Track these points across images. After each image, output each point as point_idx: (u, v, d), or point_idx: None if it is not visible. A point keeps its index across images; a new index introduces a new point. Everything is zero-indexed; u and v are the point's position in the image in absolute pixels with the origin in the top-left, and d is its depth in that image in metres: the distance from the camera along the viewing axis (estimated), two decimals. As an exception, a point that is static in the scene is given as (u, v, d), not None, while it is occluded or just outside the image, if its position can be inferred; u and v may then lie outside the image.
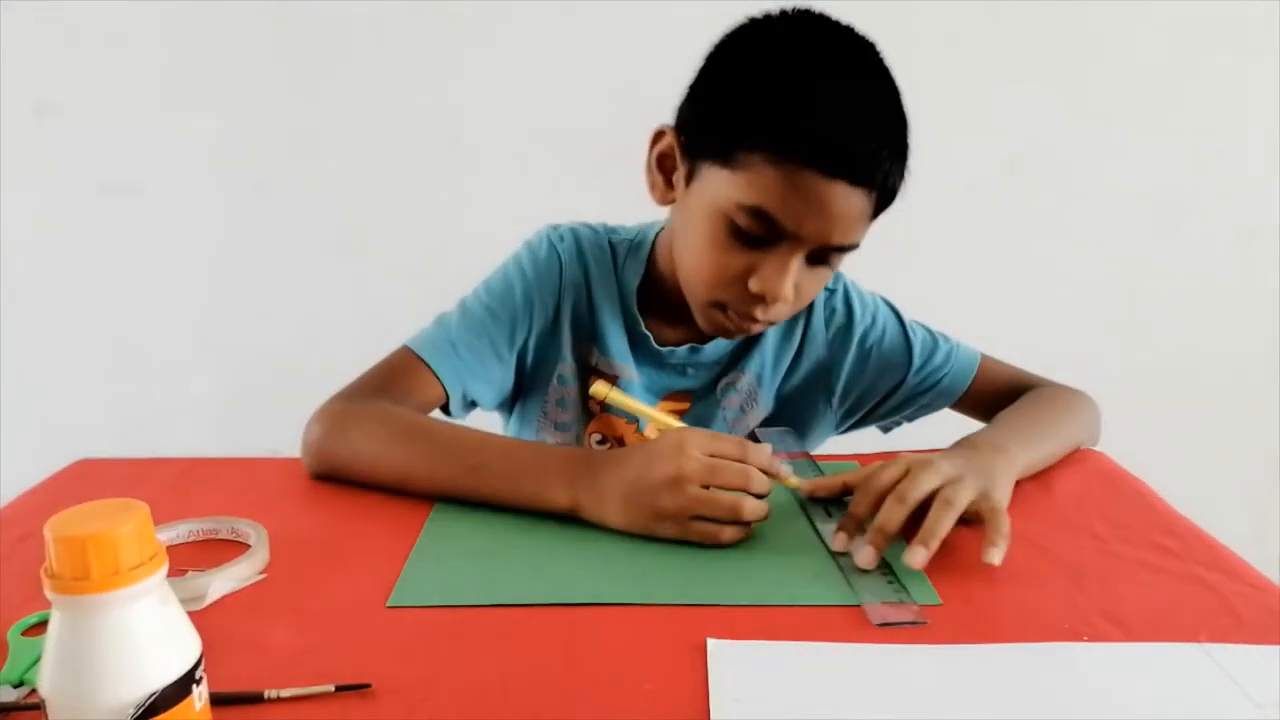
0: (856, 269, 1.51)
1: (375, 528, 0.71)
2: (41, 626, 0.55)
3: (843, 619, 0.57)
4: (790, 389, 0.96)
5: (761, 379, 0.95)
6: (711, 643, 0.53)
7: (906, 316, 0.97)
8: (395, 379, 0.85)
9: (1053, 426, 0.83)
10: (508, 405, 0.98)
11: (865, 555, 0.62)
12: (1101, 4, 1.61)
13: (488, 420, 0.92)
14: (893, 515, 0.64)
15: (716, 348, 0.93)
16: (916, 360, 0.94)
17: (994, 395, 0.92)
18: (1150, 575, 0.62)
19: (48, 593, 0.37)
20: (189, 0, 1.63)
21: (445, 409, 0.88)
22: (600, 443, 0.96)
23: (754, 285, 0.77)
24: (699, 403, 0.95)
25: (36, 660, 0.46)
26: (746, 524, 0.66)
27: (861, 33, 0.79)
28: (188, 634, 0.39)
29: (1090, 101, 1.66)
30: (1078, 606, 0.58)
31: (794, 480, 0.72)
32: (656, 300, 0.91)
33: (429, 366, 0.86)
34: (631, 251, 0.93)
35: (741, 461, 0.66)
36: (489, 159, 1.67)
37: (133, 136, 1.70)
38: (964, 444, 0.76)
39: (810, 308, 0.93)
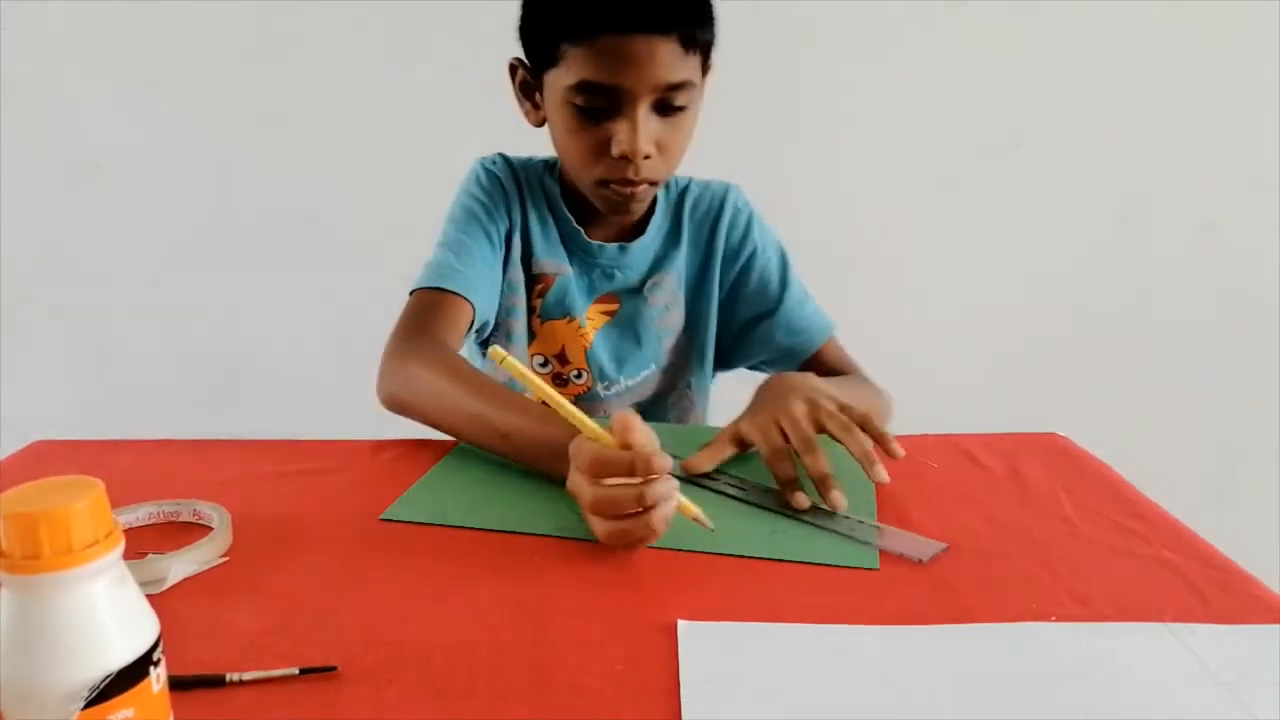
0: (833, 257, 1.50)
1: (338, 509, 0.70)
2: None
3: (809, 599, 0.57)
4: (696, 295, 1.04)
5: (681, 279, 1.03)
6: (682, 624, 0.53)
7: (794, 270, 1.05)
8: (431, 315, 0.89)
9: (853, 395, 0.84)
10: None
11: (836, 499, 0.68)
12: (1069, 2, 1.62)
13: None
14: (821, 461, 0.70)
15: (643, 248, 1.01)
16: (787, 301, 1.03)
17: (828, 369, 1.00)
18: (1117, 557, 0.63)
19: (-3, 572, 0.35)
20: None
21: None
22: (542, 365, 1.02)
23: (615, 150, 0.86)
24: (627, 302, 1.02)
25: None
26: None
27: None
28: (145, 615, 0.38)
29: (1056, 97, 1.67)
30: (1046, 587, 0.58)
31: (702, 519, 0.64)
32: (578, 209, 1.00)
33: (449, 291, 0.90)
34: (549, 169, 1.02)
35: (632, 476, 0.60)
36: (457, 143, 1.65)
37: (97, 119, 1.66)
38: (776, 381, 0.83)
39: (718, 218, 1.03)
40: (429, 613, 0.55)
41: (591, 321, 1.02)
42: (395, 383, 0.84)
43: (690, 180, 1.06)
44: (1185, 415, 1.78)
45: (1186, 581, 0.59)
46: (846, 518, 0.67)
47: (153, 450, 0.83)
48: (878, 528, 0.66)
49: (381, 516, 0.68)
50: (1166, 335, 1.76)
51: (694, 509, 0.64)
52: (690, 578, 0.60)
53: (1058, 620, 0.54)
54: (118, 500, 0.38)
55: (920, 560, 0.62)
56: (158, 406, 1.76)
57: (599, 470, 0.61)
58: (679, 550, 0.63)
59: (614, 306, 1.03)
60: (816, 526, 0.66)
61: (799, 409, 0.74)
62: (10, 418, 1.60)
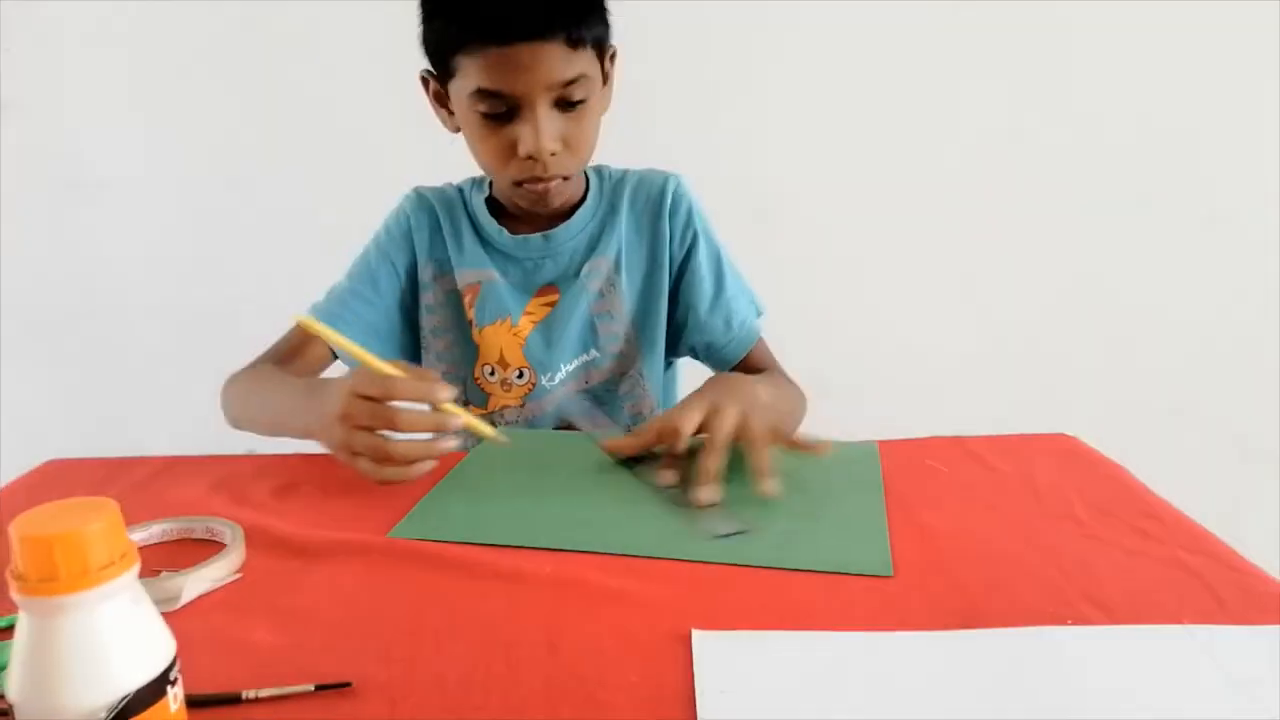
0: (838, 256, 1.50)
1: (351, 526, 0.70)
2: (10, 630, 0.54)
3: (823, 607, 0.57)
4: (646, 283, 1.05)
5: (619, 264, 1.04)
6: (696, 634, 0.53)
7: (729, 265, 1.07)
8: (283, 345, 0.98)
9: (785, 399, 0.97)
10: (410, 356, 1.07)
11: (707, 493, 0.70)
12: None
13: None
14: (715, 463, 0.72)
15: (568, 232, 1.02)
16: (724, 295, 1.05)
17: (754, 367, 1.05)
18: (1131, 558, 0.62)
19: (14, 595, 0.35)
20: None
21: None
22: (490, 375, 1.04)
23: (521, 151, 0.90)
24: (566, 292, 1.03)
25: (4, 666, 0.45)
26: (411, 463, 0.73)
27: None
28: (161, 634, 0.38)
29: (1060, 91, 1.67)
30: (1061, 591, 0.58)
31: (458, 416, 0.74)
32: (505, 215, 1.04)
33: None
34: (476, 185, 1.06)
35: (386, 397, 0.71)
36: (462, 157, 1.66)
37: (103, 133, 1.67)
38: (721, 381, 0.87)
39: (660, 204, 1.04)
40: (443, 627, 0.55)
41: (530, 316, 1.03)
42: (224, 400, 0.94)
43: (627, 170, 1.08)
44: (1198, 413, 1.77)
45: (1203, 582, 0.59)
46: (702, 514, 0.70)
47: (164, 467, 0.83)
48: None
49: (389, 534, 0.68)
50: (1177, 333, 1.75)
51: (484, 427, 0.76)
52: (703, 588, 0.59)
53: (1073, 624, 0.54)
54: (129, 518, 0.38)
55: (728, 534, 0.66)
56: (169, 423, 1.76)
57: (361, 387, 0.72)
58: (692, 561, 0.62)
59: (554, 297, 1.04)
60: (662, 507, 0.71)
61: (731, 415, 0.76)
62: (23, 434, 1.60)
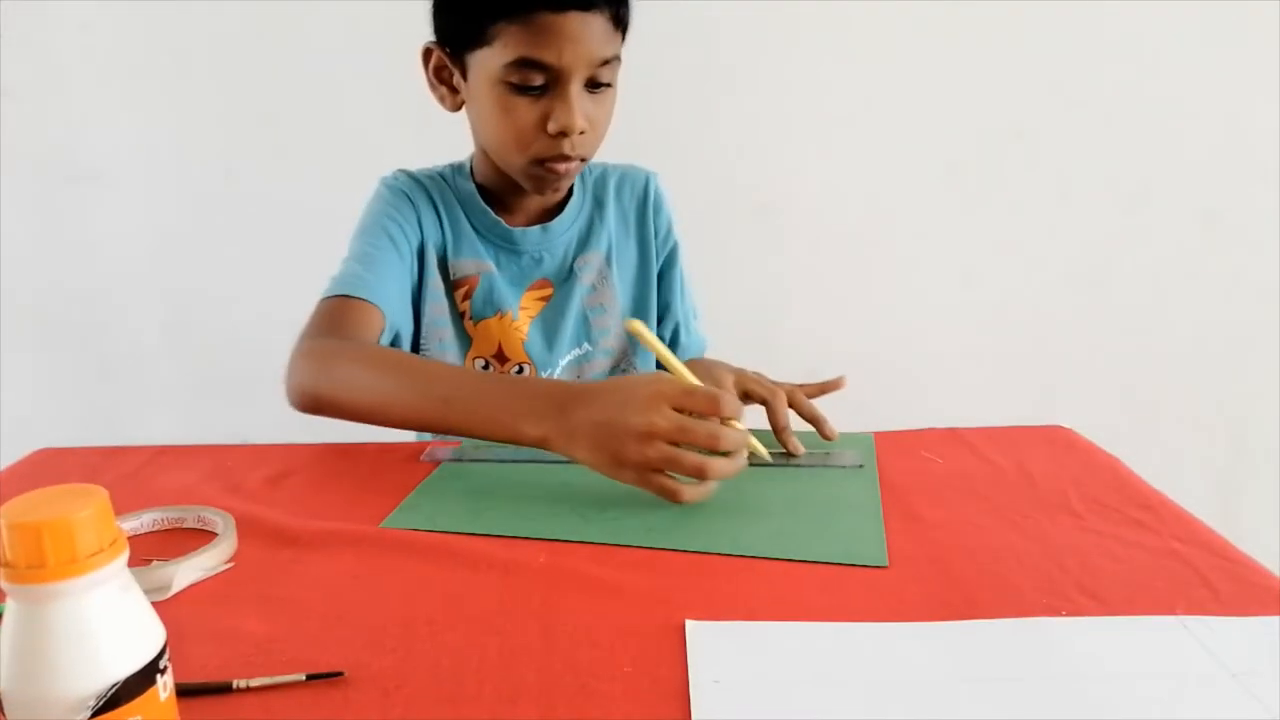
0: (836, 249, 1.49)
1: (343, 515, 0.69)
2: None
3: (818, 598, 0.56)
4: (639, 277, 1.08)
5: (610, 258, 1.05)
6: (690, 624, 0.53)
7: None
8: (341, 319, 0.88)
9: None
10: (413, 346, 1.02)
11: (796, 444, 0.80)
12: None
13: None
14: (785, 409, 0.82)
15: (564, 226, 1.02)
16: (686, 300, 1.11)
17: None
18: (1126, 549, 0.62)
19: (1, 582, 0.35)
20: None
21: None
22: (483, 368, 1.02)
23: (552, 127, 0.88)
24: (560, 286, 1.04)
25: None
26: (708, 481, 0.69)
27: None
28: (151, 623, 0.38)
29: (1057, 87, 1.67)
30: (1056, 582, 0.58)
31: (762, 449, 0.75)
32: (493, 204, 1.01)
33: (358, 298, 0.89)
34: (457, 170, 1.03)
35: (714, 413, 0.67)
36: (457, 149, 1.65)
37: (99, 124, 1.66)
38: (705, 362, 0.93)
39: (645, 201, 1.07)
40: (436, 617, 0.55)
41: (526, 310, 1.02)
42: (311, 378, 0.81)
43: (605, 165, 1.08)
44: (1192, 405, 1.77)
45: (1197, 573, 0.59)
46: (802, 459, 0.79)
47: (155, 456, 0.83)
48: (827, 453, 0.80)
49: (381, 525, 0.67)
50: (1173, 325, 1.75)
51: (761, 448, 0.75)
52: (698, 578, 0.59)
53: (1068, 615, 0.54)
54: (120, 507, 0.38)
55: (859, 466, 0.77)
56: (160, 411, 1.76)
57: (682, 400, 0.66)
58: (686, 551, 0.63)
59: (548, 292, 1.03)
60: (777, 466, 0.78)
61: (751, 375, 0.84)
62: (14, 424, 1.60)
